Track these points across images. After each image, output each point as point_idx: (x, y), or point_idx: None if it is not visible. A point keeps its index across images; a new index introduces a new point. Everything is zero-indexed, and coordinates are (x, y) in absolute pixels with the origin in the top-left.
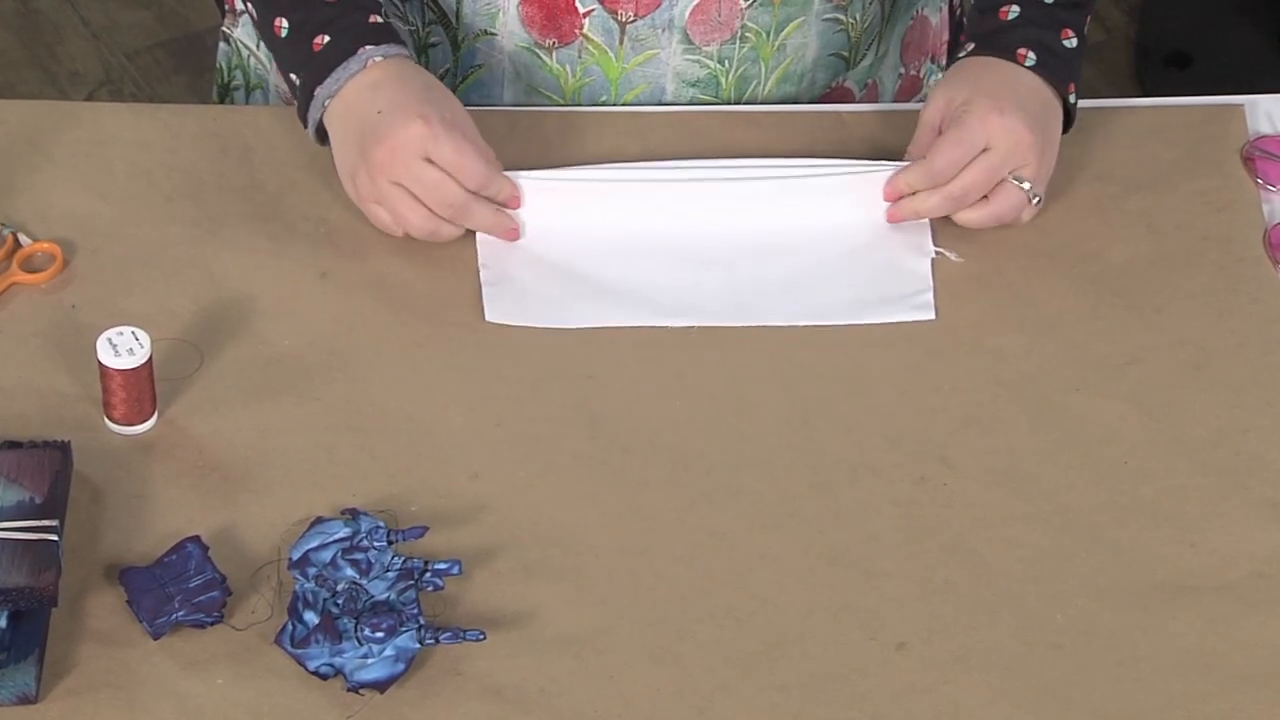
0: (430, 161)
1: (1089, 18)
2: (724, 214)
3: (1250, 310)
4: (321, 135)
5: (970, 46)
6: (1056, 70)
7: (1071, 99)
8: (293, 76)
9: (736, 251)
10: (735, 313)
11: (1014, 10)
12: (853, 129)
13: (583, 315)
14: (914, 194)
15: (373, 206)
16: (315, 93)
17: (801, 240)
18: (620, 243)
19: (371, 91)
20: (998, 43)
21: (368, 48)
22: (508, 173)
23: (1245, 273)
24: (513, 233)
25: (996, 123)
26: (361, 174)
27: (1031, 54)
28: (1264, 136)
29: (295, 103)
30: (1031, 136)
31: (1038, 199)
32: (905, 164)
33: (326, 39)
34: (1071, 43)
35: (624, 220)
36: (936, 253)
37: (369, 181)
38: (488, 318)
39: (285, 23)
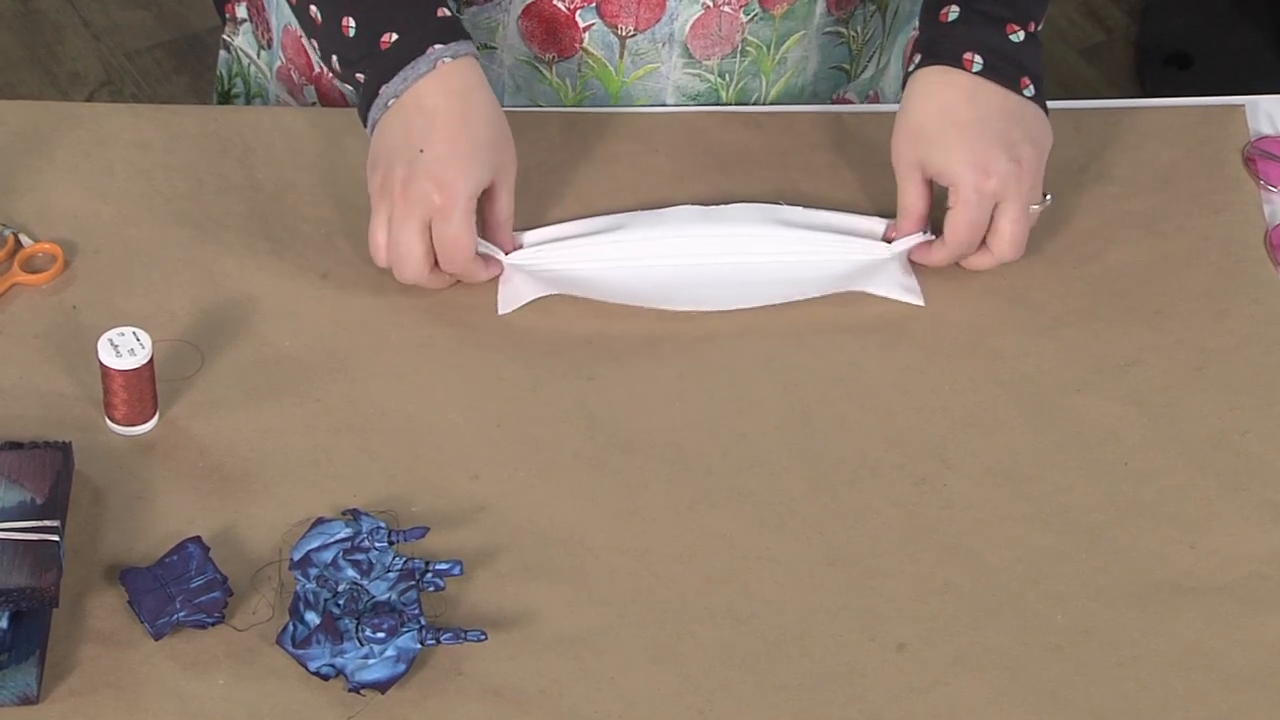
0: (428, 227)
1: (1035, 21)
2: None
3: (1250, 311)
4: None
5: (917, 59)
6: (1004, 71)
7: (1027, 92)
8: (359, 76)
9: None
10: (733, 292)
11: (953, 11)
12: (853, 130)
13: (584, 286)
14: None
15: (374, 211)
16: (381, 90)
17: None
18: (615, 268)
19: (429, 111)
20: (943, 50)
21: (436, 47)
22: (509, 256)
23: (1246, 273)
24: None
25: (993, 185)
26: (377, 180)
27: (978, 58)
28: (1265, 137)
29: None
30: (1021, 165)
31: (1049, 197)
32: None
33: (395, 36)
34: (1018, 37)
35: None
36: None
37: (380, 195)
38: (500, 311)
39: (353, 21)
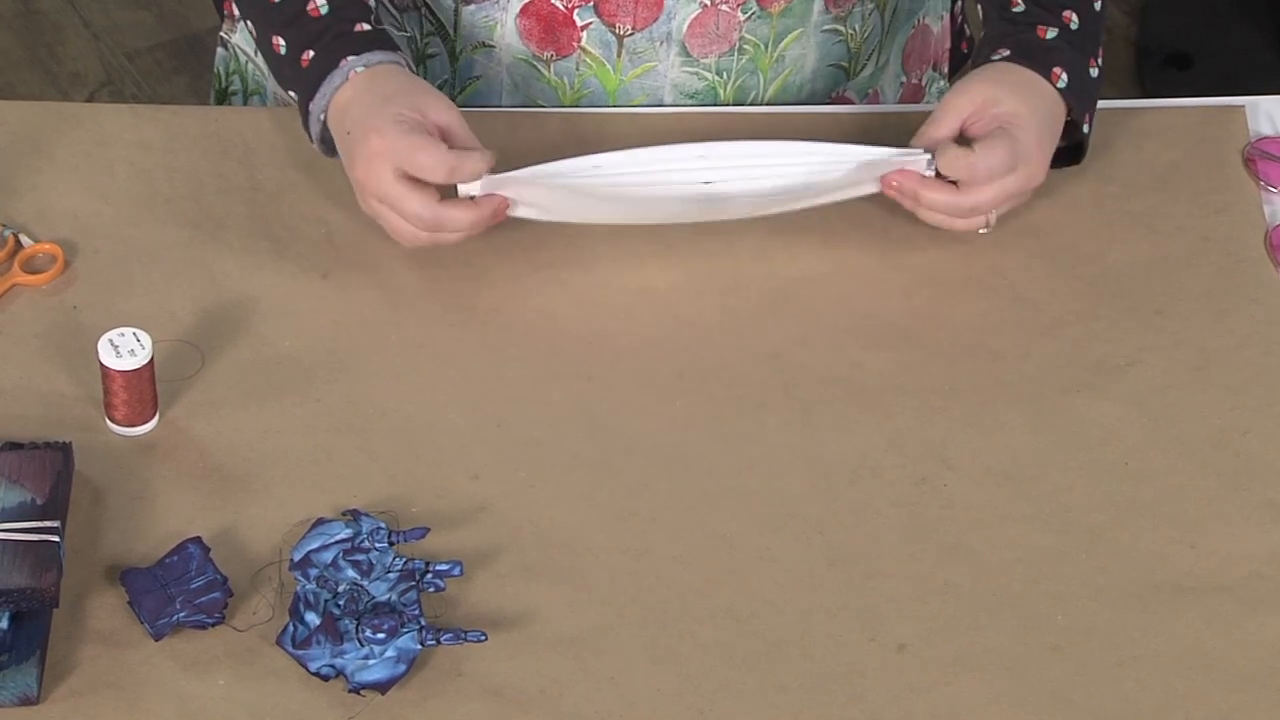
0: (400, 171)
1: (1101, 52)
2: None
3: (1250, 311)
4: (328, 147)
5: (1005, 52)
6: (1081, 98)
7: (1086, 129)
8: (291, 94)
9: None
10: (721, 203)
11: (1052, 32)
12: (852, 131)
13: (567, 209)
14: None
15: (379, 221)
16: (309, 109)
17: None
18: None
19: (345, 111)
20: (1036, 58)
21: (349, 59)
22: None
23: (1246, 274)
24: (498, 215)
25: (1037, 157)
26: (359, 196)
27: (1065, 75)
28: (1265, 138)
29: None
30: (1043, 180)
31: (987, 228)
32: (912, 151)
33: (312, 54)
34: (1094, 72)
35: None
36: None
37: (363, 203)
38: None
39: (282, 40)
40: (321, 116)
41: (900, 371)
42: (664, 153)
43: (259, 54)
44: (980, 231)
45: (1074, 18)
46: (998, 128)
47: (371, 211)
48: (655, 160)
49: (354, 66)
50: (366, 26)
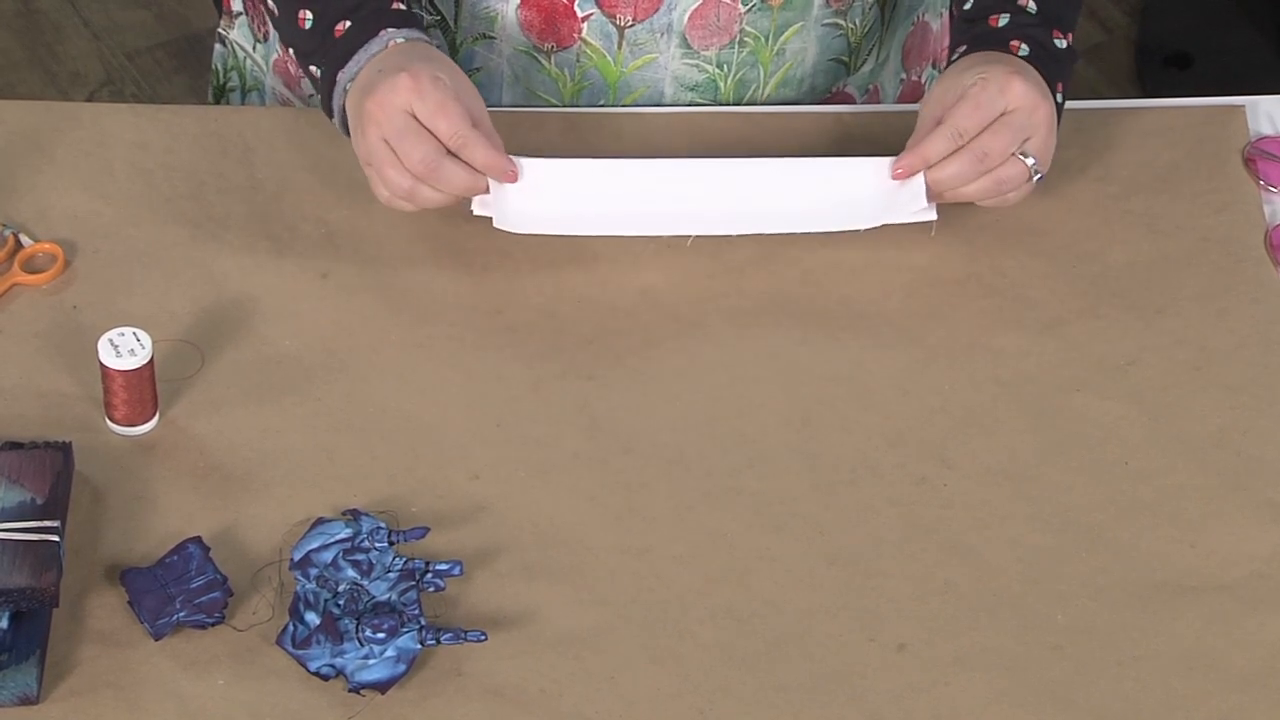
0: (414, 116)
1: (1071, 34)
2: (723, 194)
3: (1250, 310)
4: (346, 125)
5: (963, 48)
6: (1047, 65)
7: (1059, 98)
8: (314, 69)
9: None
10: (733, 219)
11: (1004, 18)
12: (853, 129)
13: (582, 223)
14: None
15: (367, 170)
16: (337, 77)
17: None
18: (618, 199)
19: (381, 61)
20: (991, 42)
21: (389, 30)
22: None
23: (1246, 273)
24: (506, 174)
25: (1018, 87)
26: (357, 133)
27: (1025, 45)
28: (1265, 137)
29: (313, 96)
30: (1046, 105)
31: (1039, 175)
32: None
33: (348, 24)
34: (1062, 43)
35: (620, 196)
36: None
37: (362, 139)
38: (496, 225)
39: (309, 14)
40: (348, 86)
41: (900, 371)
42: (686, 169)
43: (256, 47)
44: (1035, 179)
45: (1030, 3)
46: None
47: (366, 154)
48: (677, 176)
49: (393, 37)
50: (403, 5)
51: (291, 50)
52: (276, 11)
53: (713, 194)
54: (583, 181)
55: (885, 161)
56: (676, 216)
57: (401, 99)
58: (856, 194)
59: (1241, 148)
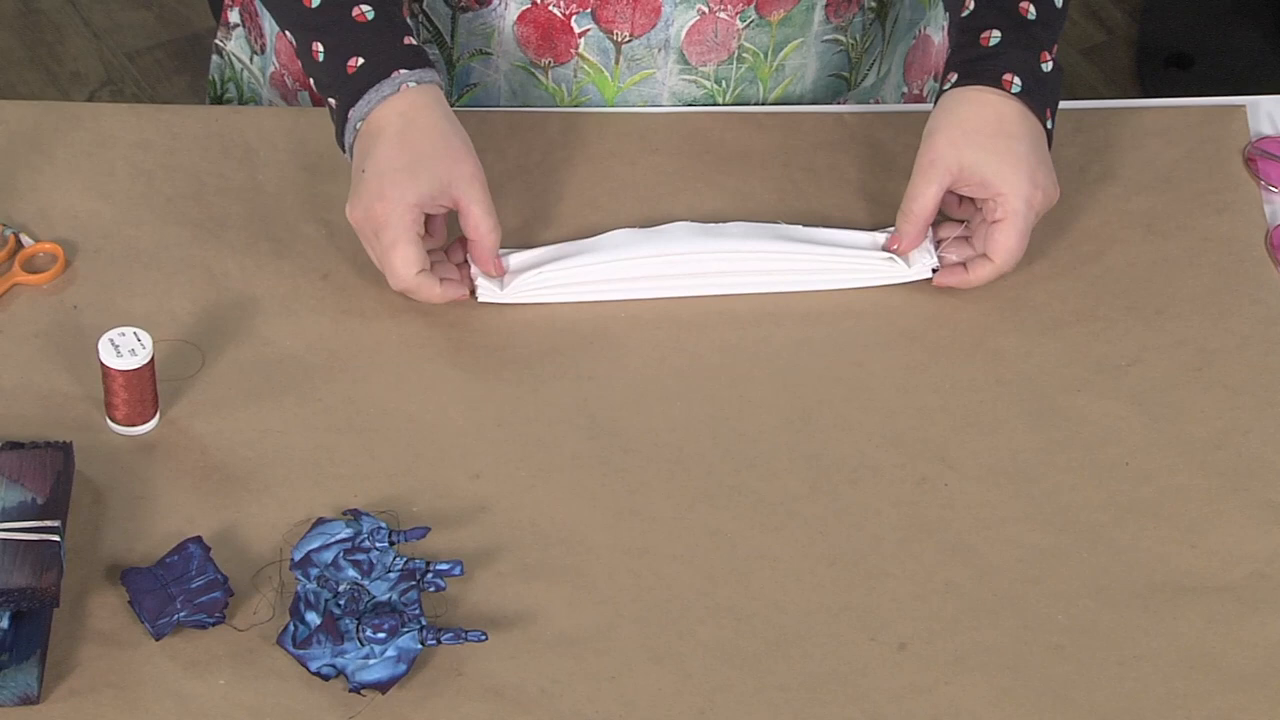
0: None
1: (1055, 45)
2: (721, 279)
3: (1250, 311)
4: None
5: (954, 78)
6: (1039, 96)
7: (1049, 125)
8: (331, 101)
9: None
10: (732, 279)
11: (995, 35)
12: (853, 130)
13: (575, 291)
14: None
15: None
16: (349, 115)
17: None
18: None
19: (375, 137)
20: (982, 72)
21: (401, 71)
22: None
23: (1246, 273)
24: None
25: (1040, 200)
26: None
27: (1018, 80)
28: (1266, 137)
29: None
30: (1057, 190)
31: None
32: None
33: (361, 61)
34: (1048, 67)
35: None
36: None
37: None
38: (480, 299)
39: (321, 46)
40: (358, 125)
41: (900, 371)
42: (673, 246)
43: (254, 59)
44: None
45: (1031, 9)
46: (996, 213)
47: (352, 221)
48: (665, 252)
49: (405, 80)
50: (412, 41)
51: (313, 81)
52: (294, 42)
53: (709, 277)
54: (574, 277)
55: (881, 237)
56: (674, 290)
57: (369, 225)
58: (856, 265)
59: (1242, 148)
